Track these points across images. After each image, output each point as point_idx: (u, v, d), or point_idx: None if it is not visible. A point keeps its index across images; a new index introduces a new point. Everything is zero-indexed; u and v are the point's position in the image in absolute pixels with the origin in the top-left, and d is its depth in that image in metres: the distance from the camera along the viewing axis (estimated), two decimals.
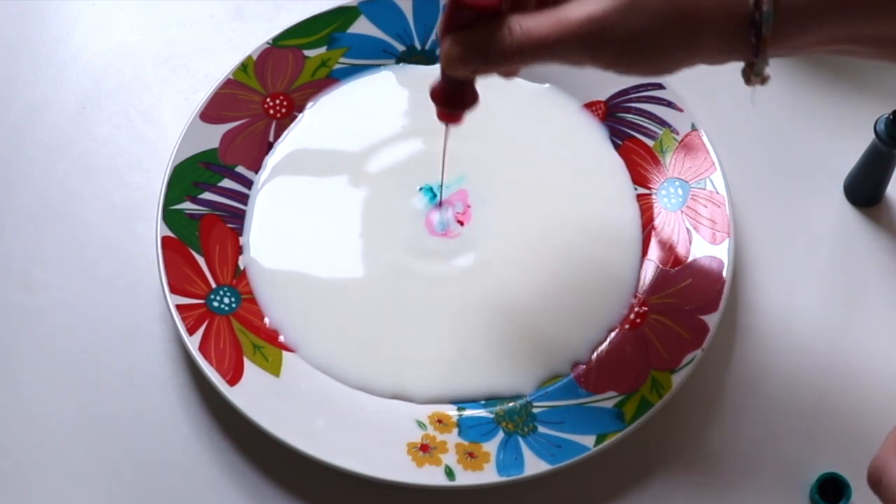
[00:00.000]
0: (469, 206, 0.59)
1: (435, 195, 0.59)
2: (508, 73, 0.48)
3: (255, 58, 0.62)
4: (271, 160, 0.61)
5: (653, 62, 0.42)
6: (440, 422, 0.53)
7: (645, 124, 0.61)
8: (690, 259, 0.56)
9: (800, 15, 0.40)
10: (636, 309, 0.56)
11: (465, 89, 0.47)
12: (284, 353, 0.55)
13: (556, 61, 0.43)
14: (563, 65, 0.44)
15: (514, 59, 0.43)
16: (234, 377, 0.53)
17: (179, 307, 0.54)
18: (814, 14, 0.40)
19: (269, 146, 0.61)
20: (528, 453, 0.51)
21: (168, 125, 0.63)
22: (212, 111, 0.60)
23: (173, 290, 0.55)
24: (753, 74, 0.42)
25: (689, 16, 0.40)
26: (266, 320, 0.56)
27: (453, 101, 0.47)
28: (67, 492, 0.53)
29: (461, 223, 0.59)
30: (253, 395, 0.52)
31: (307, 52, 0.63)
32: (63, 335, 0.57)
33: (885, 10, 0.39)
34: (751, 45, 0.41)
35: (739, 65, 0.43)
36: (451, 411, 0.53)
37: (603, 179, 0.60)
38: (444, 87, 0.47)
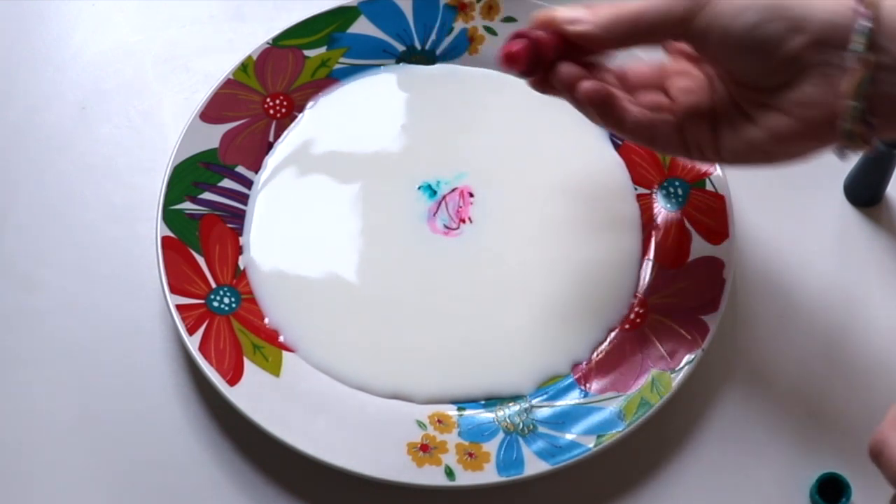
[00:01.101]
0: (469, 205, 0.59)
1: (435, 193, 0.59)
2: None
3: (255, 58, 0.62)
4: (271, 160, 0.61)
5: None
6: (440, 422, 0.53)
7: None
8: (690, 259, 0.56)
9: None
10: (636, 309, 0.56)
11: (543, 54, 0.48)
12: (284, 353, 0.55)
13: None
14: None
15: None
16: (234, 377, 0.53)
17: (179, 307, 0.54)
18: None
19: (269, 146, 0.61)
20: (528, 453, 0.51)
21: (168, 125, 0.63)
22: (212, 111, 0.60)
23: (173, 290, 0.55)
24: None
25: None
26: (266, 320, 0.56)
27: (527, 58, 0.48)
28: (67, 491, 0.53)
29: (462, 221, 0.59)
30: (253, 395, 0.52)
31: (307, 52, 0.63)
32: (63, 335, 0.57)
33: None
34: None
35: None
36: (451, 411, 0.53)
37: (603, 179, 0.60)
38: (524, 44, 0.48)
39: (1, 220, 0.61)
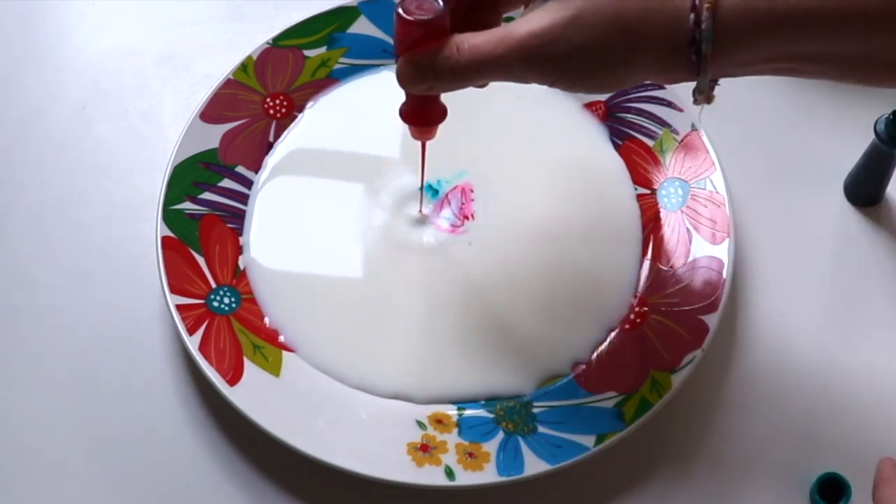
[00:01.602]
0: (471, 202, 0.59)
1: (437, 192, 0.59)
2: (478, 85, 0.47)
3: (255, 58, 0.62)
4: (271, 160, 0.61)
5: (595, 78, 0.43)
6: (440, 422, 0.53)
7: (645, 124, 0.61)
8: (690, 259, 0.56)
9: (740, 33, 0.40)
10: (636, 309, 0.56)
11: (430, 105, 0.48)
12: (284, 353, 0.55)
13: (503, 78, 0.44)
14: (511, 81, 0.44)
15: (462, 76, 0.44)
16: (234, 377, 0.53)
17: (179, 307, 0.54)
18: (754, 32, 0.40)
19: (269, 146, 0.61)
20: (528, 453, 0.51)
21: (168, 125, 0.63)
22: (212, 111, 0.60)
23: (173, 290, 0.55)
24: (697, 92, 0.42)
25: (630, 32, 0.41)
26: (266, 320, 0.56)
27: (421, 118, 0.49)
28: (67, 491, 0.53)
29: (465, 218, 0.59)
30: (253, 395, 0.52)
31: (307, 52, 0.63)
32: (63, 335, 0.57)
33: (824, 29, 0.39)
34: (692, 64, 0.41)
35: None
36: (451, 411, 0.53)
37: (603, 179, 0.60)
38: (409, 106, 0.48)
39: (1, 220, 0.61)
